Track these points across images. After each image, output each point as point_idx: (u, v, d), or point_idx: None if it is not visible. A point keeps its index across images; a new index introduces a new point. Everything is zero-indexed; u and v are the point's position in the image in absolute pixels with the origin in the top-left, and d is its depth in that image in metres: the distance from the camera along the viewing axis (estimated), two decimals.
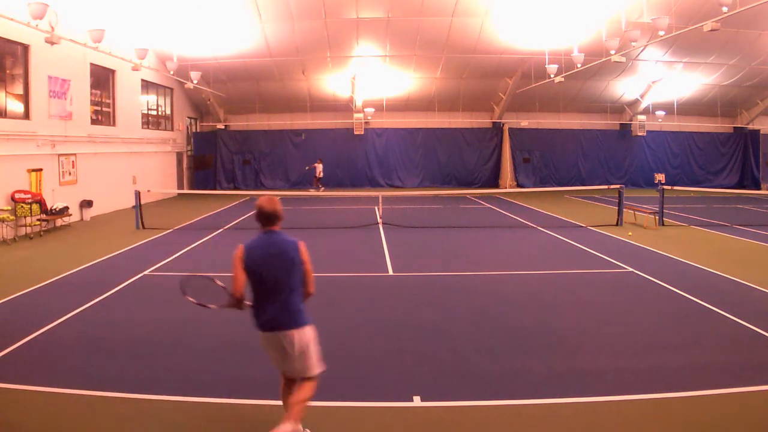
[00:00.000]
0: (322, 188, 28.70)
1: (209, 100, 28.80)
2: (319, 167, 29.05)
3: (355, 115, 29.26)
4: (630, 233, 15.26)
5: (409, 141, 31.36)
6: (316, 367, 4.56)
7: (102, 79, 20.68)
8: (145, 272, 10.73)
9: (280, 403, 5.31)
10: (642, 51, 24.09)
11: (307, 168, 29.43)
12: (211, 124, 31.02)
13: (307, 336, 4.47)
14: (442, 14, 22.29)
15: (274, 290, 4.40)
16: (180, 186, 27.99)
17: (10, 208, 14.74)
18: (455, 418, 5.13)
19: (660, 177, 30.41)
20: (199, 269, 11.32)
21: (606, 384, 5.76)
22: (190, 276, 4.82)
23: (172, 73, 22.15)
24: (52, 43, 14.22)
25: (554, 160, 31.53)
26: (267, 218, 4.56)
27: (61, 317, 7.85)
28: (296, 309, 4.46)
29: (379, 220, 17.47)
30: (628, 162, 31.98)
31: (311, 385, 4.54)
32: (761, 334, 7.11)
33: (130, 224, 16.73)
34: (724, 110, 31.05)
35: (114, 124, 21.47)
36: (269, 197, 4.68)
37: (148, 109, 25.24)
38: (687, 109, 30.80)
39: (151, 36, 21.93)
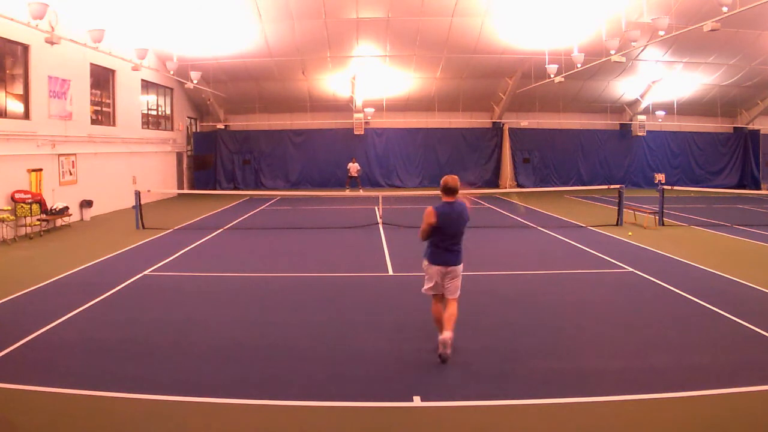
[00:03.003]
0: (361, 189, 28.38)
1: (209, 100, 28.80)
2: (355, 166, 28.78)
3: (355, 115, 29.26)
4: (630, 233, 15.26)
5: (409, 141, 31.35)
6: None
7: (102, 79, 20.68)
8: (145, 272, 10.73)
9: (280, 403, 5.35)
10: (642, 51, 24.09)
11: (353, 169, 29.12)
12: (211, 124, 31.02)
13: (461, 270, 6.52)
14: (442, 14, 22.29)
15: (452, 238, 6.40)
16: (180, 186, 27.99)
17: (10, 208, 14.74)
18: (455, 418, 5.13)
19: (660, 177, 30.43)
20: (200, 269, 11.34)
21: (606, 384, 5.76)
22: None
23: (172, 73, 22.16)
24: (52, 43, 14.22)
25: (554, 160, 31.53)
26: (449, 191, 6.47)
27: (61, 317, 7.85)
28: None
29: (379, 220, 17.47)
30: (628, 162, 31.97)
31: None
32: (761, 334, 7.11)
33: (130, 224, 16.74)
34: (724, 110, 31.05)
35: (114, 124, 21.47)
36: (453, 176, 6.59)
37: (148, 109, 25.25)
38: (687, 109, 30.80)
39: (151, 36, 21.93)
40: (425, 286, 6.60)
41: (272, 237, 15.69)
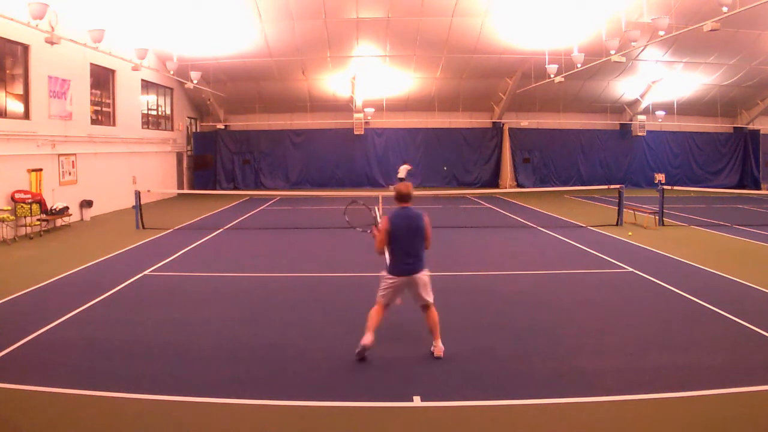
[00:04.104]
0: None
1: (209, 100, 28.80)
2: (405, 168, 28.53)
3: (355, 115, 29.26)
4: (630, 233, 15.26)
5: (409, 141, 31.34)
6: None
7: (102, 79, 20.68)
8: (145, 272, 10.73)
9: (280, 403, 5.35)
10: (642, 51, 24.09)
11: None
12: (211, 124, 31.03)
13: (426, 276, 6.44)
14: (442, 14, 22.29)
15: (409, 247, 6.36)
16: (180, 186, 27.99)
17: (10, 208, 14.74)
18: (455, 418, 5.13)
19: (660, 177, 30.40)
20: (200, 269, 11.34)
21: (606, 384, 5.76)
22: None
23: (172, 73, 22.16)
24: (52, 43, 14.22)
25: (554, 160, 31.53)
26: (402, 197, 6.45)
27: (61, 317, 7.85)
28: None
29: (380, 221, 17.44)
30: (628, 162, 31.98)
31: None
32: (761, 334, 7.11)
33: (130, 224, 16.73)
34: (724, 110, 31.06)
35: (114, 124, 21.47)
36: (406, 183, 6.71)
37: (148, 109, 25.25)
38: (687, 109, 30.81)
39: (151, 36, 21.92)
40: (378, 294, 6.48)
41: (272, 237, 15.69)
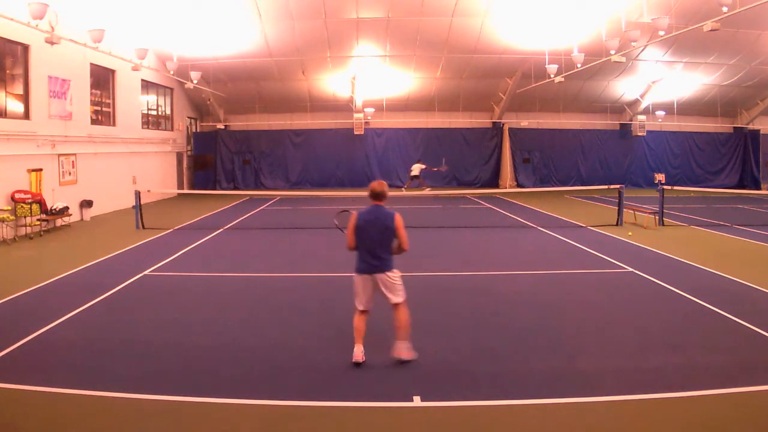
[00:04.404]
0: (426, 187, 28.37)
1: (209, 100, 28.80)
2: (418, 167, 28.53)
3: (355, 115, 29.25)
4: (630, 233, 15.26)
5: (409, 141, 31.34)
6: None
7: (102, 79, 20.68)
8: (145, 272, 10.73)
9: (280, 403, 5.35)
10: (642, 51, 24.09)
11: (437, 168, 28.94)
12: (211, 124, 31.02)
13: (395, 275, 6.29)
14: (442, 14, 22.29)
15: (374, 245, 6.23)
16: (180, 186, 27.99)
17: (10, 208, 14.74)
18: (455, 418, 5.13)
19: (660, 177, 30.40)
20: (200, 269, 11.33)
21: (606, 384, 5.76)
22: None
23: (172, 73, 22.15)
24: (52, 43, 14.21)
25: (554, 160, 31.53)
26: (375, 195, 6.31)
27: (61, 317, 7.85)
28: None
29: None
30: (628, 162, 31.97)
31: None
32: (761, 334, 7.11)
33: (130, 224, 16.73)
34: (724, 110, 31.05)
35: (114, 124, 21.47)
36: (380, 181, 6.48)
37: (148, 109, 25.25)
38: (687, 109, 30.80)
39: (151, 36, 21.92)
40: (354, 300, 6.42)
41: (272, 237, 15.69)
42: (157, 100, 26.24)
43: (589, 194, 26.33)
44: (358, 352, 6.19)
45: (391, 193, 6.96)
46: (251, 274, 11.02)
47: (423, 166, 28.33)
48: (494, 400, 5.36)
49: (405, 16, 22.62)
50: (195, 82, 23.88)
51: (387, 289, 6.24)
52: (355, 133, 29.69)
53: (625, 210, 17.23)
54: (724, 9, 13.89)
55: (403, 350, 6.19)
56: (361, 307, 6.36)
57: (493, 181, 31.46)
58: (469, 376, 5.97)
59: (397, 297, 6.28)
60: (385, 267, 6.24)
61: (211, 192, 28.04)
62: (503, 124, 31.28)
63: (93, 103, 19.95)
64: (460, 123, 30.86)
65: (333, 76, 27.63)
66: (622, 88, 29.66)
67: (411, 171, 28.55)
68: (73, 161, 18.25)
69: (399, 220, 6.26)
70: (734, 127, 32.50)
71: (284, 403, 5.33)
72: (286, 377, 5.96)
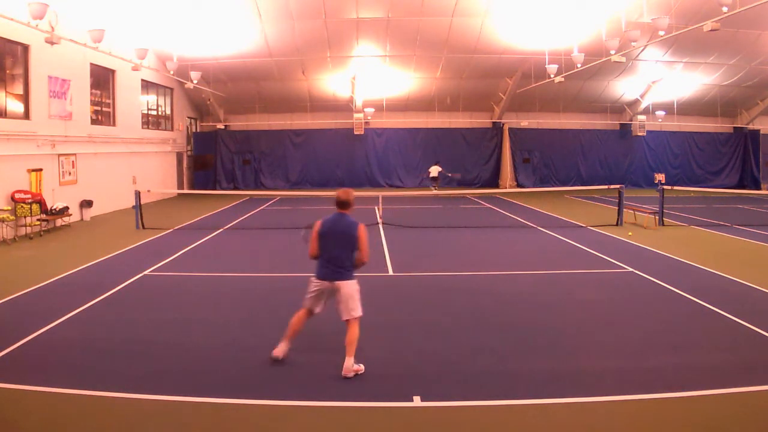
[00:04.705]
0: (435, 187, 28.47)
1: (209, 100, 28.80)
2: (436, 169, 28.56)
3: (355, 115, 29.25)
4: (630, 233, 15.26)
5: (409, 141, 31.35)
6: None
7: (102, 79, 20.68)
8: (145, 272, 10.73)
9: (280, 403, 5.35)
10: (642, 51, 24.09)
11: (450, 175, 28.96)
12: (211, 124, 31.02)
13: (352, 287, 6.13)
14: (442, 14, 22.29)
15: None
16: (180, 186, 27.99)
17: (10, 208, 14.74)
18: (455, 418, 5.13)
19: (660, 177, 30.41)
20: (200, 269, 11.33)
21: (606, 384, 5.76)
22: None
23: (172, 73, 22.15)
24: (52, 43, 14.21)
25: (554, 160, 31.53)
26: (340, 204, 6.26)
27: (61, 317, 7.85)
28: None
29: (379, 220, 17.47)
30: (628, 162, 31.98)
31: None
32: (761, 334, 7.11)
33: (130, 224, 16.73)
34: (724, 110, 31.05)
35: (114, 124, 21.47)
36: (346, 189, 6.41)
37: (148, 109, 25.24)
38: (687, 109, 30.80)
39: (151, 36, 21.92)
40: (305, 297, 6.32)
41: (272, 237, 15.69)
42: (157, 100, 26.24)
43: (589, 194, 26.33)
44: (281, 351, 6.16)
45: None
46: (251, 274, 11.02)
47: (440, 169, 28.48)
48: (494, 400, 5.36)
49: (405, 16, 22.62)
50: (195, 82, 23.88)
51: (343, 302, 6.06)
52: (355, 133, 29.69)
53: (625, 210, 17.23)
54: (724, 9, 13.88)
55: (351, 368, 5.91)
56: (306, 307, 6.27)
57: (493, 181, 31.46)
58: (470, 376, 5.97)
59: (353, 313, 6.07)
60: (345, 276, 6.10)
61: (211, 192, 28.04)
62: (503, 124, 31.28)
63: (93, 103, 19.95)
64: (460, 123, 30.86)
65: (333, 76, 27.63)
66: (622, 88, 29.66)
67: (429, 173, 28.66)
68: (73, 161, 18.25)
69: (362, 230, 6.12)
70: (734, 127, 32.50)
71: (284, 403, 5.33)
72: (285, 377, 5.95)
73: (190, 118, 30.33)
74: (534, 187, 29.66)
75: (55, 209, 16.35)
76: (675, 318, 7.98)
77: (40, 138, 16.34)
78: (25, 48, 15.91)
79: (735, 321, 7.64)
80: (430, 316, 8.14)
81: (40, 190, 16.25)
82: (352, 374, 5.90)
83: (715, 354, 6.58)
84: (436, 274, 10.82)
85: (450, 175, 28.74)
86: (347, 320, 6.08)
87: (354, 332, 6.04)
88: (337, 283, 6.08)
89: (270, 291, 9.71)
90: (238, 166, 30.71)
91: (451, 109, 30.31)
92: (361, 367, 5.98)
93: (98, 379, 5.77)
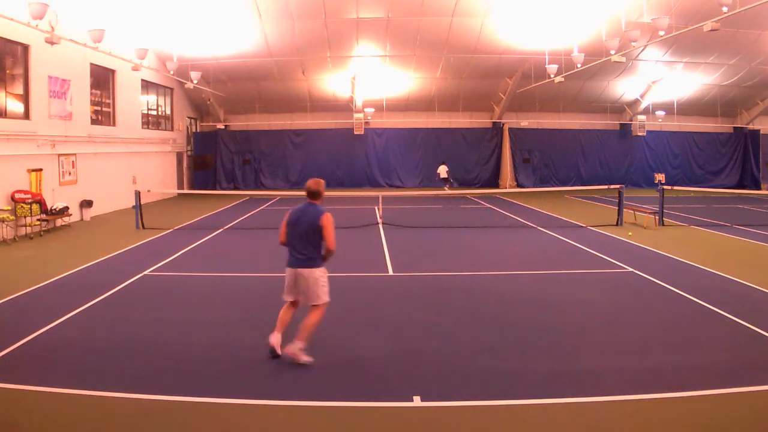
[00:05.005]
0: (448, 187, 28.54)
1: (209, 100, 28.80)
2: (444, 168, 28.79)
3: (355, 115, 29.26)
4: (630, 233, 15.26)
5: (409, 141, 31.36)
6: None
7: (102, 79, 20.68)
8: (145, 272, 10.73)
9: (280, 402, 5.35)
10: (642, 51, 24.10)
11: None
12: (211, 124, 31.03)
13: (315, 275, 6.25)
14: (442, 14, 22.30)
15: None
16: (180, 186, 27.99)
17: (10, 208, 14.74)
18: (455, 418, 5.13)
19: (660, 177, 30.42)
20: (200, 269, 11.33)
21: (606, 384, 5.76)
22: None
23: (172, 73, 22.15)
24: (52, 43, 14.21)
25: (554, 160, 31.54)
26: (309, 194, 6.45)
27: (61, 317, 7.85)
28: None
29: (379, 220, 17.47)
30: (628, 162, 31.99)
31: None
32: (761, 334, 7.11)
33: (130, 224, 16.73)
34: (724, 110, 31.06)
35: (114, 124, 21.47)
36: (316, 179, 6.57)
37: (148, 109, 25.25)
38: (687, 109, 30.81)
39: (151, 36, 21.93)
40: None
41: (272, 237, 15.60)
42: (157, 100, 26.24)
43: (589, 194, 26.34)
44: (275, 339, 6.29)
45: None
46: (251, 274, 11.02)
47: (447, 169, 28.60)
48: (494, 400, 5.36)
49: (405, 16, 22.62)
50: (195, 82, 23.88)
51: (306, 289, 6.24)
52: (355, 133, 29.70)
53: (625, 210, 17.23)
54: (724, 9, 13.88)
55: (296, 351, 6.10)
56: (287, 299, 6.44)
57: (493, 181, 31.47)
58: (470, 376, 5.97)
59: (315, 299, 6.26)
60: (309, 264, 6.24)
61: (211, 192, 28.06)
62: (503, 124, 31.29)
63: (93, 103, 19.95)
64: (460, 123, 30.86)
65: (333, 76, 27.64)
66: (622, 88, 29.66)
67: (438, 174, 28.76)
68: (73, 161, 18.25)
69: (326, 220, 6.23)
70: (734, 127, 32.51)
71: (284, 403, 5.33)
72: (286, 377, 5.95)
73: (190, 118, 30.33)
74: (534, 187, 29.66)
75: (55, 209, 16.36)
76: (675, 318, 7.98)
77: (40, 138, 16.35)
78: (25, 48, 15.91)
79: (735, 321, 7.64)
80: (430, 316, 8.13)
81: (40, 190, 16.25)
82: (292, 356, 6.10)
83: (715, 354, 6.58)
84: (436, 274, 10.82)
85: (449, 179, 28.91)
86: (312, 306, 6.29)
87: (312, 317, 6.23)
88: (300, 270, 6.26)
89: (270, 291, 9.68)
90: (238, 166, 30.72)
91: (451, 109, 30.32)
92: (309, 359, 6.14)
93: (98, 379, 5.77)
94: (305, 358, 6.14)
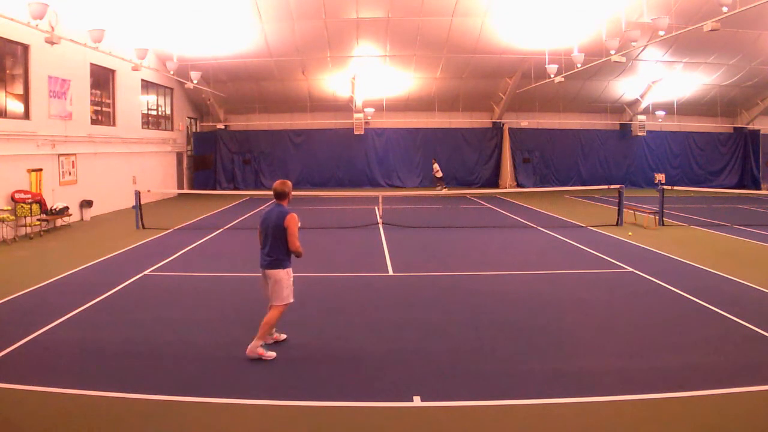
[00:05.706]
0: (445, 187, 28.53)
1: (209, 100, 28.80)
2: (435, 166, 28.94)
3: (355, 115, 29.26)
4: (630, 233, 15.26)
5: (409, 141, 31.36)
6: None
7: (102, 79, 20.68)
8: (145, 272, 10.73)
9: (280, 403, 5.35)
10: (642, 51, 24.09)
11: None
12: (211, 124, 31.02)
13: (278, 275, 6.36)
14: (442, 14, 22.29)
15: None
16: (180, 186, 27.99)
17: (10, 208, 14.74)
18: (455, 418, 5.13)
19: (660, 177, 30.42)
20: (200, 269, 11.34)
21: (606, 384, 5.76)
22: None
23: (172, 73, 22.14)
24: (52, 43, 14.21)
25: (554, 160, 31.54)
26: (276, 195, 6.56)
27: (61, 317, 7.85)
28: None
29: (379, 220, 17.47)
30: (628, 162, 31.98)
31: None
32: (761, 334, 7.11)
33: (130, 224, 16.73)
34: (724, 110, 31.06)
35: (114, 124, 21.47)
36: (283, 180, 6.67)
37: (148, 109, 25.25)
38: (687, 109, 30.81)
39: (151, 36, 21.92)
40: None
41: None
42: (157, 100, 26.24)
43: (589, 194, 26.34)
44: (251, 346, 6.39)
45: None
46: (251, 274, 10.98)
47: (437, 167, 28.73)
48: (494, 400, 5.36)
49: (405, 16, 22.62)
50: (195, 82, 23.87)
51: (272, 285, 6.39)
52: (355, 133, 29.69)
53: (625, 210, 17.24)
54: (724, 9, 13.88)
55: (255, 350, 6.29)
56: (267, 298, 6.60)
57: (493, 181, 31.47)
58: (469, 376, 5.97)
59: (277, 300, 6.40)
60: (274, 264, 6.36)
61: (211, 192, 28.05)
62: (503, 124, 31.29)
63: (93, 103, 19.95)
64: (460, 123, 30.86)
65: (333, 76, 27.63)
66: (622, 88, 29.66)
67: (435, 172, 28.85)
68: (73, 161, 18.25)
69: (289, 220, 6.28)
70: (734, 127, 32.50)
71: (285, 403, 5.33)
72: (286, 377, 5.96)
73: (190, 118, 30.33)
74: (534, 187, 29.66)
75: (55, 209, 16.36)
76: (675, 318, 7.98)
77: (40, 138, 16.35)
78: (25, 48, 15.91)
79: (735, 321, 7.64)
80: (430, 316, 8.14)
81: (40, 190, 16.25)
82: (255, 356, 6.24)
83: (715, 354, 6.58)
84: (436, 274, 10.82)
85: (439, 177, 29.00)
86: (272, 305, 6.45)
87: (271, 316, 6.40)
88: (267, 271, 6.43)
89: None
90: (238, 166, 30.72)
91: (451, 109, 30.32)
92: (271, 354, 6.32)
93: (98, 379, 5.77)
94: (269, 354, 6.30)
